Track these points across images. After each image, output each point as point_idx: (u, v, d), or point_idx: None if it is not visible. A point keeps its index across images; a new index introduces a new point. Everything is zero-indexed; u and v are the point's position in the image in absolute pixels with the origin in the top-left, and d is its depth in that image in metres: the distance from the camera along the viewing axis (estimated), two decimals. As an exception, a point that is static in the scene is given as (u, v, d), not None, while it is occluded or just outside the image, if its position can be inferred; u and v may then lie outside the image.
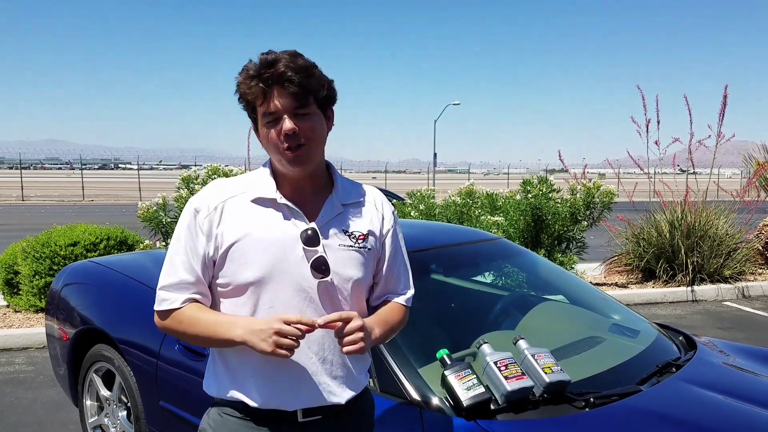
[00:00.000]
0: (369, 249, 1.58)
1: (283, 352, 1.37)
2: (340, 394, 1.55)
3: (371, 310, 1.66)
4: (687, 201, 7.87)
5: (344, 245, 1.53)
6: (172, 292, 1.51)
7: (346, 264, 1.53)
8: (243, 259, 1.47)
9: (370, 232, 1.59)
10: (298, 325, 1.38)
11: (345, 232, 1.55)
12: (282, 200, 1.51)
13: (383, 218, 1.64)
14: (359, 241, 1.56)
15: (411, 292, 1.72)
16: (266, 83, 1.42)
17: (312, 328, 1.41)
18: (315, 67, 1.47)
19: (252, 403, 1.52)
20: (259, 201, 1.52)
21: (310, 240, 1.49)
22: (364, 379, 1.64)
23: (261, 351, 1.39)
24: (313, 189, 1.56)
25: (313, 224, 1.51)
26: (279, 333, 1.37)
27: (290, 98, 1.42)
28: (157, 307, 1.54)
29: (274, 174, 1.56)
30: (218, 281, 1.52)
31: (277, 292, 1.48)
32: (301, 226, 1.50)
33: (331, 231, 1.53)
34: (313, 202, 1.55)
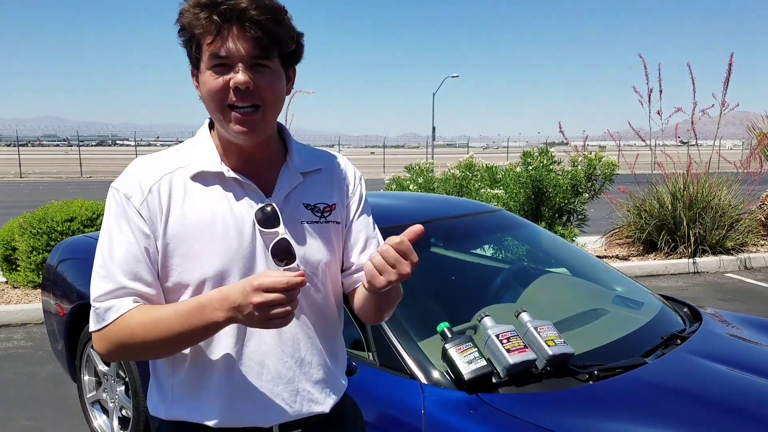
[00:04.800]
0: (338, 223, 1.35)
1: (276, 321, 1.09)
2: (324, 401, 1.34)
3: (351, 292, 1.42)
4: (689, 172, 7.80)
5: (309, 221, 1.29)
6: (115, 298, 1.19)
7: (313, 245, 1.29)
8: (191, 252, 1.21)
9: (338, 203, 1.36)
10: (278, 287, 1.07)
11: (308, 206, 1.31)
12: (230, 174, 1.24)
13: (350, 183, 1.40)
14: (325, 215, 1.32)
15: None
16: (222, 17, 1.13)
17: (302, 279, 1.09)
18: (285, 12, 1.19)
19: (215, 425, 1.26)
20: (202, 176, 1.24)
21: (268, 220, 1.22)
22: (344, 380, 1.43)
23: (252, 326, 1.15)
24: (265, 157, 1.29)
25: (269, 200, 1.25)
26: (259, 306, 1.07)
27: (250, 43, 1.14)
28: (98, 325, 1.20)
29: (216, 141, 1.28)
30: (162, 281, 1.24)
31: None
32: (256, 203, 1.25)
33: (292, 206, 1.29)
34: (266, 173, 1.29)
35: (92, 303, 1.21)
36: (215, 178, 1.25)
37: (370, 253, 1.39)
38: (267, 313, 1.08)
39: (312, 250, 1.29)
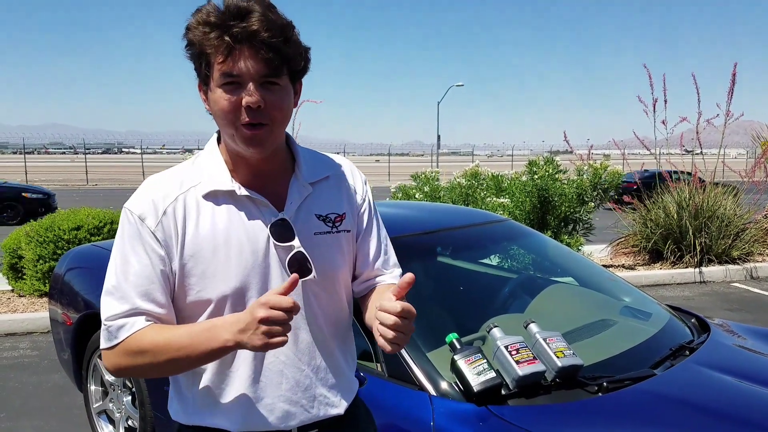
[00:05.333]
0: (349, 231, 1.38)
1: (277, 340, 1.11)
2: (339, 404, 1.37)
3: (361, 299, 1.46)
4: (695, 181, 7.79)
5: (321, 232, 1.31)
6: (128, 317, 1.21)
7: (327, 255, 1.32)
8: (207, 272, 1.23)
9: (347, 212, 1.38)
10: (283, 306, 1.10)
11: (320, 216, 1.32)
12: (242, 191, 1.26)
13: (357, 190, 1.42)
14: (336, 224, 1.34)
15: (399, 270, 1.48)
16: (234, 39, 1.14)
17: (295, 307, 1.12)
18: (293, 28, 1.21)
19: (236, 430, 1.30)
20: (213, 195, 1.26)
21: (283, 234, 1.24)
22: (355, 379, 1.46)
23: (253, 348, 1.14)
24: (274, 169, 1.30)
25: (282, 214, 1.27)
26: (265, 321, 1.09)
27: (262, 64, 1.16)
28: (110, 343, 1.22)
29: (225, 155, 1.29)
30: (178, 301, 1.27)
31: None
32: (269, 219, 1.26)
33: (304, 218, 1.30)
34: (276, 185, 1.30)
35: (104, 322, 1.23)
36: (227, 197, 1.26)
37: (381, 260, 1.44)
38: (271, 330, 1.10)
39: (326, 260, 1.32)
